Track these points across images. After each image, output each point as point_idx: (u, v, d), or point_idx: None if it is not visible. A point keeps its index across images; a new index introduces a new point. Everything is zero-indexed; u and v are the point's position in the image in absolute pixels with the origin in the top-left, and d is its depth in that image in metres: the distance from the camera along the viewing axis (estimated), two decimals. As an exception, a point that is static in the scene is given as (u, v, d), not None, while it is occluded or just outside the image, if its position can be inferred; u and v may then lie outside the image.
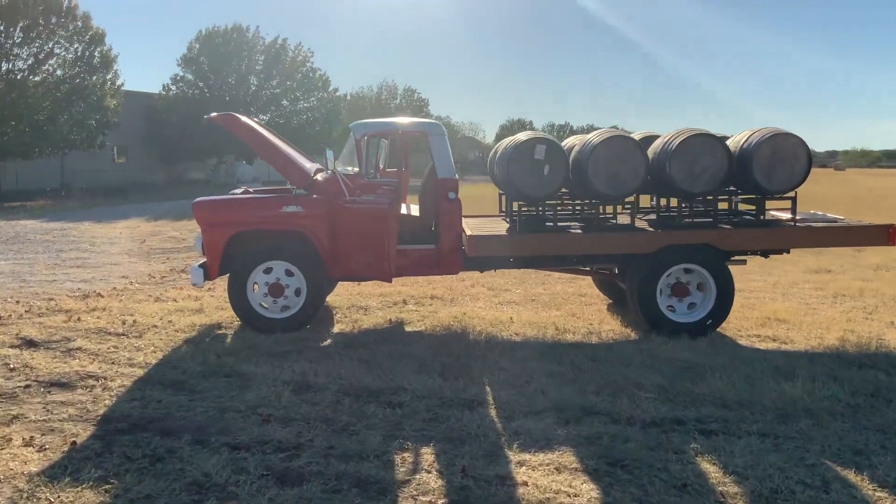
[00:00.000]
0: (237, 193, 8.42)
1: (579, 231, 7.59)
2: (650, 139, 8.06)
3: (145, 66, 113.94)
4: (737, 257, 7.74)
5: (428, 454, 4.62)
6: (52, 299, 9.31)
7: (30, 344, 7.15)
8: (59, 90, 32.75)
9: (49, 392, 5.82)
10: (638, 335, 7.49)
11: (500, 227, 8.17)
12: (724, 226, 7.66)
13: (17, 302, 9.16)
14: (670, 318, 7.43)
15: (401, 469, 4.42)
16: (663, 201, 8.49)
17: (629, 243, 7.38)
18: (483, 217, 9.29)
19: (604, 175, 7.30)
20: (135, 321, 8.06)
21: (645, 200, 9.05)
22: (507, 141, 8.30)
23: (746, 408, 5.41)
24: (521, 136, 7.73)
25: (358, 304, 9.04)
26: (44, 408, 5.46)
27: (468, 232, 7.61)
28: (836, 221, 7.93)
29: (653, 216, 8.53)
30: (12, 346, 7.04)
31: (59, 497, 4.04)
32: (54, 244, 15.54)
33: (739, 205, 8.45)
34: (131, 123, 42.13)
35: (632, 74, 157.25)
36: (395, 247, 7.61)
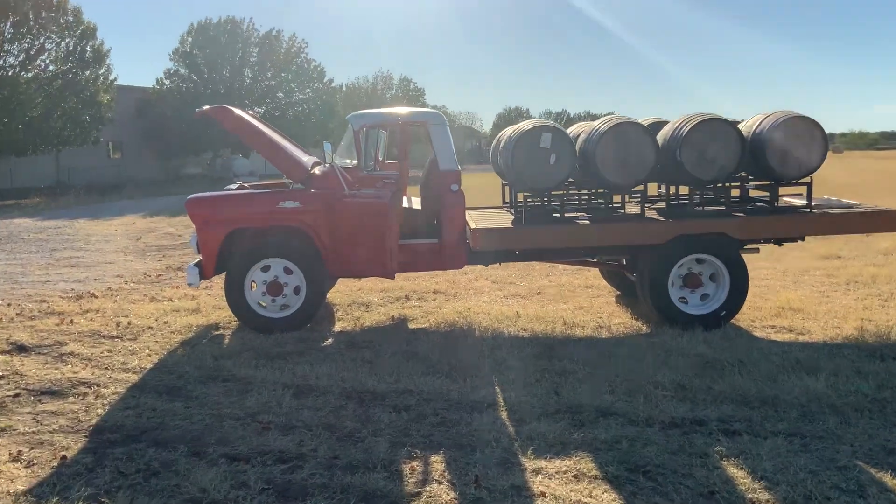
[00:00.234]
0: (232, 189, 8.15)
1: (587, 222, 7.33)
2: (659, 125, 7.80)
3: (139, 61, 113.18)
4: (750, 246, 7.49)
5: (438, 462, 4.38)
6: (44, 301, 9.05)
7: (20, 349, 6.89)
8: (51, 86, 32.33)
9: (39, 401, 5.57)
10: (649, 328, 7.24)
11: (504, 219, 7.91)
12: (738, 214, 7.40)
13: (9, 304, 8.89)
14: (683, 311, 7.18)
15: (410, 480, 4.17)
16: (672, 189, 8.21)
17: (640, 234, 7.12)
18: (486, 209, 9.03)
19: (612, 163, 7.03)
20: (129, 323, 7.80)
21: (652, 189, 8.78)
22: (510, 130, 8.03)
23: (769, 405, 5.17)
24: (526, 124, 7.45)
25: (359, 300, 8.78)
26: (33, 418, 5.21)
27: (472, 225, 7.34)
28: (853, 207, 7.67)
29: (662, 205, 8.25)
30: (2, 352, 6.78)
31: (46, 519, 3.80)
32: (48, 243, 15.26)
33: (750, 192, 8.19)
34: (126, 119, 41.72)
35: (627, 62, 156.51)
36: (397, 242, 7.34)
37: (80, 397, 5.61)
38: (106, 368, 6.30)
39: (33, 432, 4.96)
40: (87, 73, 33.96)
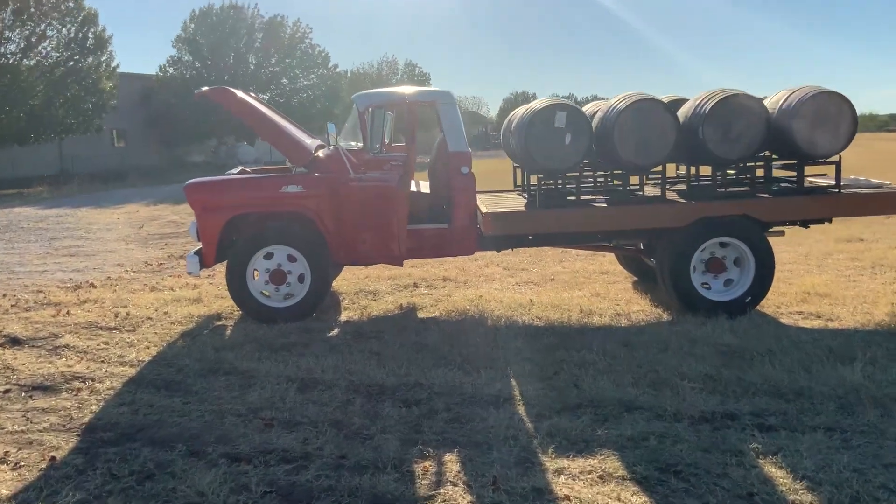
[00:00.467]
0: (233, 173, 7.84)
1: (605, 205, 6.99)
2: (678, 103, 7.43)
3: (142, 48, 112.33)
4: (775, 228, 7.15)
5: (452, 462, 4.08)
6: (40, 291, 8.76)
7: (13, 342, 6.61)
8: (53, 73, 31.96)
9: (31, 397, 5.29)
10: (671, 316, 6.92)
11: (516, 202, 7.57)
12: (763, 195, 7.05)
13: (4, 295, 8.61)
14: (706, 297, 6.85)
15: (423, 482, 3.87)
16: (691, 170, 7.86)
17: (661, 216, 6.79)
18: (497, 192, 8.69)
19: (631, 142, 6.68)
20: (128, 314, 7.52)
21: (669, 170, 8.42)
22: (522, 109, 7.67)
23: (805, 398, 4.85)
24: (539, 102, 7.10)
25: (366, 288, 8.47)
26: (23, 416, 4.92)
27: (483, 209, 7.02)
28: (882, 187, 7.31)
29: (681, 186, 7.90)
30: (-5, 345, 6.51)
31: (31, 527, 3.52)
32: (48, 232, 14.98)
33: (773, 172, 7.82)
34: (129, 106, 41.36)
35: (634, 46, 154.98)
36: (405, 227, 7.02)
37: (74, 393, 5.33)
38: (102, 362, 6.02)
39: (22, 431, 4.67)
40: (89, 60, 33.56)
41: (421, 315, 7.33)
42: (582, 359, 5.69)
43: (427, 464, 4.05)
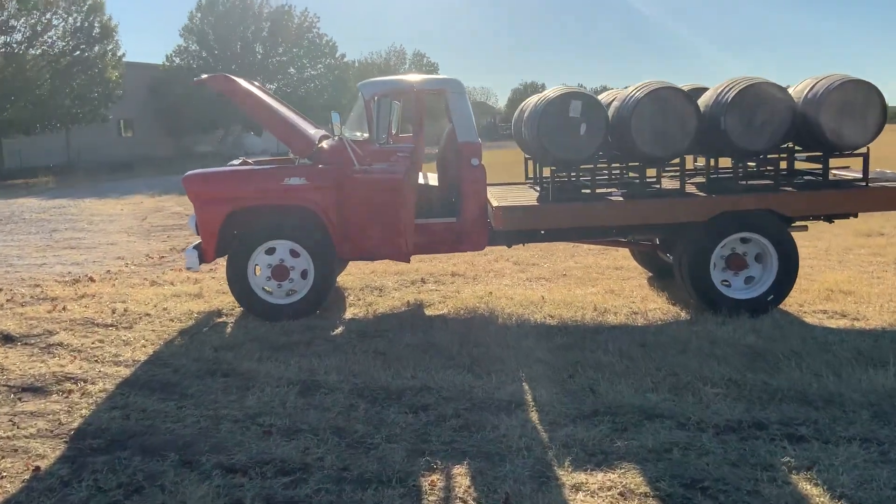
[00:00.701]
0: (235, 164, 7.57)
1: (621, 199, 6.69)
2: (698, 92, 7.11)
3: (148, 37, 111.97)
4: (798, 223, 6.84)
5: (461, 476, 3.81)
6: (37, 286, 8.53)
7: (6, 339, 6.37)
8: (59, 63, 31.75)
9: (20, 399, 5.04)
10: (689, 314, 6.63)
11: (529, 196, 7.28)
12: (787, 188, 6.74)
13: (0, 290, 8.38)
14: (726, 295, 6.55)
15: (430, 498, 3.61)
16: (708, 162, 7.54)
17: (680, 211, 6.49)
18: (508, 185, 8.39)
19: (649, 133, 6.37)
20: (126, 309, 7.27)
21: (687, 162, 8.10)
22: (535, 98, 7.37)
23: (836, 405, 4.56)
24: (552, 91, 6.79)
25: (372, 284, 8.20)
26: (10, 420, 4.68)
27: (494, 203, 6.73)
28: (911, 180, 6.98)
29: (700, 179, 7.58)
30: (-14, 343, 6.27)
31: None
32: (49, 223, 14.75)
33: (796, 164, 7.50)
34: (137, 96, 41.12)
35: (645, 35, 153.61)
36: (413, 221, 6.73)
37: (65, 395, 5.08)
38: (96, 361, 5.77)
39: (8, 437, 4.42)
40: (96, 49, 33.33)
41: (429, 312, 7.06)
42: (597, 361, 5.41)
43: (434, 477, 3.79)
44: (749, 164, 7.09)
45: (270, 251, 6.74)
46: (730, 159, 7.05)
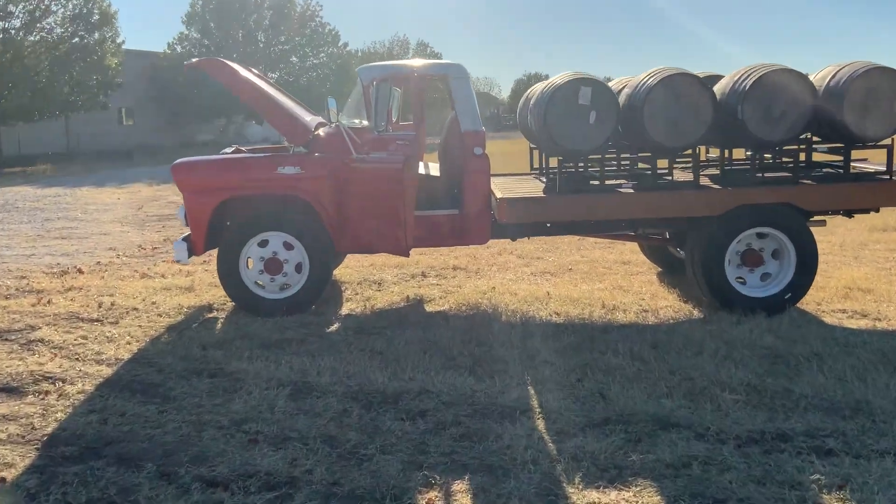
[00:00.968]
0: (227, 153, 7.25)
1: (631, 190, 6.36)
2: (714, 80, 6.76)
3: (149, 24, 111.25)
4: (817, 218, 6.52)
5: (461, 492, 3.50)
6: (24, 277, 8.23)
7: (-15, 335, 6.08)
8: (57, 49, 31.38)
9: (-7, 400, 4.75)
10: (702, 313, 6.31)
11: (534, 187, 6.96)
12: (805, 181, 6.41)
13: (-15, 281, 8.09)
14: (741, 293, 6.24)
15: (427, 518, 3.30)
16: (722, 153, 7.20)
17: (694, 204, 6.16)
18: (513, 176, 8.06)
19: (662, 122, 6.04)
20: (113, 303, 6.97)
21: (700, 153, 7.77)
22: (542, 84, 7.03)
23: (864, 414, 4.24)
24: (561, 77, 6.45)
25: (370, 277, 7.89)
26: (-20, 424, 4.38)
27: (498, 194, 6.41)
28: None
29: (713, 171, 7.25)
30: (-36, 339, 5.97)
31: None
32: (42, 212, 14.44)
33: (814, 156, 7.17)
34: (137, 84, 40.77)
35: (652, 25, 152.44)
36: (413, 213, 6.41)
37: (41, 396, 4.78)
38: (77, 360, 5.47)
39: (-24, 443, 4.13)
40: (95, 35, 32.95)
41: (429, 308, 6.75)
42: (607, 363, 5.10)
43: (432, 495, 3.48)
44: (766, 155, 6.76)
45: (263, 243, 6.42)
46: (744, 150, 6.70)
